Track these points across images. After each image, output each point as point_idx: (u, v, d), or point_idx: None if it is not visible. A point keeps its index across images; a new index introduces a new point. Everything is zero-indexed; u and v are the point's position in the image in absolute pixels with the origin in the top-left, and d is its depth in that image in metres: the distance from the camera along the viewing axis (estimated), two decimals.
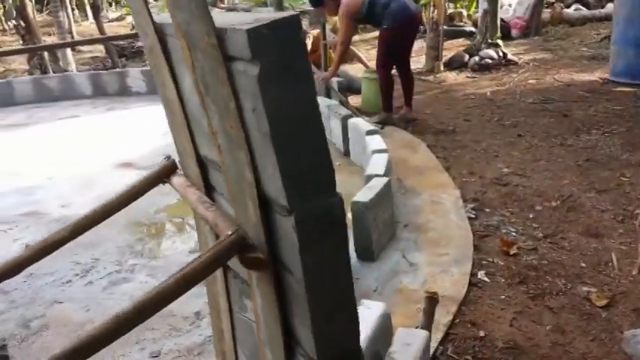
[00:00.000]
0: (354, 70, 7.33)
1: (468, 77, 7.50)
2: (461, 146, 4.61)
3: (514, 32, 10.30)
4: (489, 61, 7.84)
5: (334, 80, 5.51)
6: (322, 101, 4.88)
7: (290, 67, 0.94)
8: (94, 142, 5.32)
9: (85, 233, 1.45)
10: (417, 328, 1.89)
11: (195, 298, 2.61)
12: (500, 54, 8.02)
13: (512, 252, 2.91)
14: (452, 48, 9.73)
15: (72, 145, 5.26)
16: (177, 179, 1.48)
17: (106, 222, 1.49)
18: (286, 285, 1.13)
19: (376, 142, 3.63)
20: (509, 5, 10.97)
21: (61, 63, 10.49)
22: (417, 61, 8.69)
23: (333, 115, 4.54)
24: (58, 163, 4.78)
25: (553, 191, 3.65)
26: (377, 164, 3.24)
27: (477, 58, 7.91)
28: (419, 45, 10.10)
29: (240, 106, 1.00)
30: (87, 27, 19.13)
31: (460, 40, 10.73)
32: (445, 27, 11.15)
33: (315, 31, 5.94)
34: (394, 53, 5.04)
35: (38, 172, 4.63)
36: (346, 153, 4.38)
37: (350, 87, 6.17)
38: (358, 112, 5.31)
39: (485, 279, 2.69)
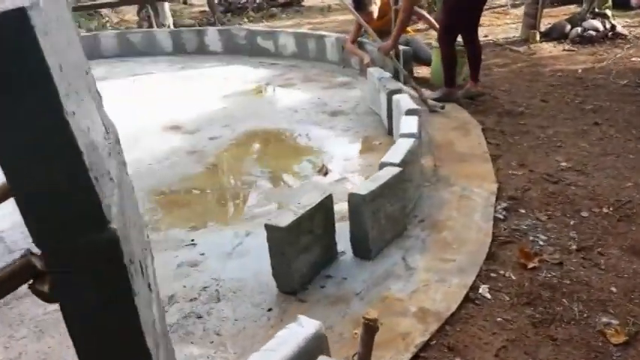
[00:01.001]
0: (425, 37, 6.85)
1: (564, 50, 6.77)
2: (523, 132, 4.14)
3: (634, 1, 9.15)
4: (593, 33, 7.03)
5: (400, 49, 5.14)
6: (375, 71, 4.56)
7: (11, 78, 0.74)
8: (155, 101, 5.38)
9: None
10: (354, 356, 1.66)
11: (172, 282, 2.52)
12: (608, 26, 7.16)
13: (530, 265, 2.54)
14: (559, 17, 8.88)
15: (133, 103, 5.33)
16: None
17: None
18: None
19: (409, 124, 3.31)
20: None
21: (160, 18, 10.81)
22: (515, 28, 8.02)
23: (382, 88, 4.23)
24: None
25: (610, 194, 3.16)
26: (397, 151, 2.95)
27: (579, 29, 7.11)
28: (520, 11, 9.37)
29: None
30: None
31: (573, 7, 9.75)
32: None
33: None
34: (459, 20, 4.58)
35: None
36: (390, 131, 4.07)
37: (418, 57, 5.75)
38: (423, 87, 4.96)
39: (487, 295, 2.37)
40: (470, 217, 2.92)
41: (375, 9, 5.58)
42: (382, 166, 2.84)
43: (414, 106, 3.68)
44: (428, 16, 6.22)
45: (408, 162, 2.90)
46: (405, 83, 4.73)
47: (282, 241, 2.29)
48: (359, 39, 5.91)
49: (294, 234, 2.31)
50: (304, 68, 6.31)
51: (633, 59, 6.09)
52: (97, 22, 14.35)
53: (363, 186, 2.58)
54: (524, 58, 6.51)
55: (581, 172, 3.46)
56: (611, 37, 7.07)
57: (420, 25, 7.87)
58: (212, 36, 7.23)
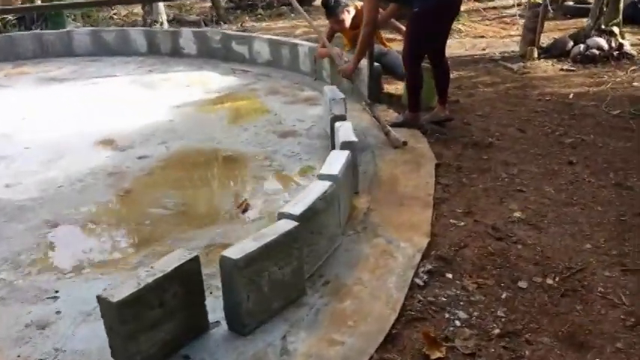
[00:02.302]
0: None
1: (562, 70, 6.24)
2: (483, 169, 3.66)
3: None
4: (596, 51, 6.49)
5: (363, 65, 4.66)
6: (329, 91, 4.10)
7: None
8: (101, 109, 5.00)
9: None
10: None
11: (10, 349, 2.12)
12: (614, 44, 6.60)
13: (435, 356, 2.08)
14: (568, 29, 8.32)
15: (78, 111, 4.97)
16: None
17: None
18: None
19: (334, 162, 2.85)
20: None
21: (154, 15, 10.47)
22: (512, 44, 7.48)
23: (329, 112, 3.78)
24: (46, 131, 4.49)
25: (562, 258, 2.68)
26: (304, 198, 2.50)
27: (581, 47, 6.58)
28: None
29: None
30: None
31: (585, 20, 9.14)
32: (571, 3, 9.66)
33: (359, 2, 5.06)
34: (427, 41, 4.10)
35: (24, 138, 4.37)
36: None
37: (393, 72, 5.27)
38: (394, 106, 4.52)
39: None
40: (383, 281, 2.46)
41: (347, 17, 5.11)
42: (280, 217, 2.39)
43: (351, 137, 3.22)
44: (402, 27, 5.65)
45: (315, 213, 2.46)
46: (370, 109, 4.20)
47: (114, 320, 1.86)
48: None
49: (133, 310, 1.88)
50: (274, 78, 5.87)
51: (635, 84, 5.56)
52: (105, 14, 14.16)
53: (237, 248, 2.14)
54: (515, 77, 5.99)
55: (535, 226, 2.97)
56: (617, 56, 6.52)
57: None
58: (187, 38, 6.83)
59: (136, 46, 7.06)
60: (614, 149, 3.96)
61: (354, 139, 3.21)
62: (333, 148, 3.58)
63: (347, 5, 5.09)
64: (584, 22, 9.04)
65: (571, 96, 5.20)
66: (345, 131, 3.31)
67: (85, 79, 6.13)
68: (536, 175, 3.58)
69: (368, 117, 4.42)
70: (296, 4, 4.99)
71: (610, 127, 4.40)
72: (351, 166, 3.08)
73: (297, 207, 2.42)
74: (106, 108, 5.04)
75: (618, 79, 5.71)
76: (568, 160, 3.78)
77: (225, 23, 11.61)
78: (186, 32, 6.88)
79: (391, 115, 4.60)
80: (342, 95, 3.98)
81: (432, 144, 4.03)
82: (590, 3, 9.45)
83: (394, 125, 4.24)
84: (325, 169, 2.79)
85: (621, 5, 6.90)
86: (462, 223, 2.98)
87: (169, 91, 5.50)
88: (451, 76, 5.89)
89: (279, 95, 5.30)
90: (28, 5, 9.59)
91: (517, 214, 3.08)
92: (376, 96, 4.79)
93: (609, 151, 3.93)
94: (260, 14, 12.82)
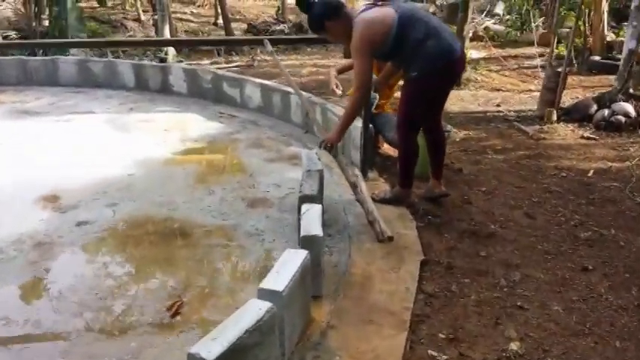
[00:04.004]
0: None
1: (583, 137, 5.62)
2: (479, 271, 3.03)
3: None
4: (622, 118, 5.86)
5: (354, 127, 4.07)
6: (306, 158, 3.52)
7: None
8: (60, 155, 4.49)
9: None
10: None
11: None
12: None
13: None
14: (593, 88, 7.73)
15: (34, 153, 4.48)
16: None
17: None
18: None
19: (282, 272, 2.25)
20: None
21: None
22: (530, 101, 6.88)
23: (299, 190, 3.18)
24: None
25: None
26: (227, 331, 1.89)
27: (606, 112, 5.95)
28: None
29: None
30: (243, 2, 19.00)
31: (612, 77, 8.53)
32: (597, 58, 9.06)
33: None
34: (426, 109, 3.52)
35: None
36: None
37: (381, 134, 4.67)
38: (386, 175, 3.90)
39: None
40: None
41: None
42: (189, 359, 1.79)
43: (314, 230, 2.62)
44: None
45: (242, 350, 1.85)
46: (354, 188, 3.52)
47: None
48: (322, 103, 4.91)
49: None
50: (262, 127, 5.33)
51: None
52: (121, 36, 13.89)
53: None
54: (529, 143, 5.38)
55: None
56: None
57: None
58: (177, 75, 6.33)
59: (123, 79, 6.59)
60: (639, 251, 3.31)
61: (317, 232, 2.61)
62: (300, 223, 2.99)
63: None
64: (610, 79, 8.49)
65: (590, 173, 4.56)
66: (310, 221, 2.71)
67: (60, 113, 5.65)
68: (543, 284, 2.94)
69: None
70: (276, 58, 4.38)
71: (634, 219, 3.76)
72: (309, 271, 2.47)
73: (214, 345, 1.81)
74: (65, 153, 4.52)
75: None
76: (582, 264, 3.14)
77: (237, 54, 11.16)
78: (177, 69, 6.39)
79: (381, 186, 4.00)
80: (319, 165, 3.40)
81: (421, 229, 3.42)
82: (617, 59, 8.88)
83: (381, 201, 3.65)
84: (269, 281, 2.19)
85: None
86: (444, 357, 2.34)
87: (143, 137, 4.97)
88: (460, 135, 5.35)
89: (261, 150, 4.74)
90: (25, 42, 9.11)
91: (514, 347, 2.44)
92: (371, 162, 4.19)
93: (632, 254, 3.28)
94: (276, 47, 12.36)
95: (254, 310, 2.00)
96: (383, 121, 4.52)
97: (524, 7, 12.76)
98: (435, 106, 3.55)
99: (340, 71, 4.67)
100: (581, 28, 9.62)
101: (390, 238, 3.07)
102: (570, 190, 4.22)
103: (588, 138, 5.58)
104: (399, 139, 3.59)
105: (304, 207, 2.88)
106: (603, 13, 9.10)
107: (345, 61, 4.79)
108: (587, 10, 10.01)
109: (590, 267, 3.11)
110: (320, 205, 2.88)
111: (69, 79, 6.65)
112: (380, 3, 3.32)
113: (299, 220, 2.99)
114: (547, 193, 4.15)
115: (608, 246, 3.38)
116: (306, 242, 2.58)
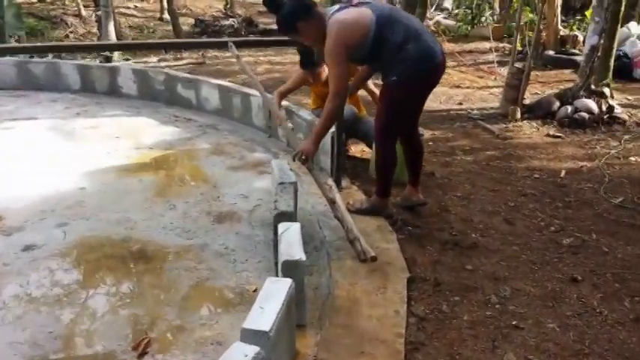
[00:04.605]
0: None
1: (548, 135, 5.57)
2: (467, 287, 2.86)
3: (638, 72, 8.04)
4: (585, 115, 5.84)
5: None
6: (276, 167, 3.28)
7: None
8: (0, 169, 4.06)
9: None
10: None
11: None
12: (604, 107, 5.96)
13: None
14: (550, 83, 7.75)
15: None
16: None
17: None
18: None
19: (265, 305, 2.00)
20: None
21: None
22: (497, 95, 6.82)
23: (274, 207, 2.92)
24: None
25: None
26: None
27: (569, 109, 5.93)
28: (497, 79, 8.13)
29: None
30: None
31: (567, 72, 8.63)
32: (551, 53, 9.12)
33: None
34: (406, 115, 3.31)
35: None
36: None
37: (368, 140, 4.44)
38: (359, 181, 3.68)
39: None
40: None
41: (324, 70, 4.30)
42: None
43: (296, 254, 2.37)
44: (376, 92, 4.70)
45: None
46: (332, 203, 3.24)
47: None
48: (287, 105, 4.66)
49: None
50: (222, 132, 5.03)
51: (631, 159, 4.89)
52: (62, 32, 13.20)
53: None
54: (496, 142, 5.28)
55: None
56: (607, 121, 5.88)
57: None
58: (126, 76, 5.94)
59: (67, 81, 6.14)
60: (624, 258, 3.22)
61: (299, 257, 2.36)
62: (276, 247, 2.74)
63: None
64: (566, 73, 8.57)
65: (563, 174, 4.48)
66: (290, 243, 2.46)
67: None
68: (534, 299, 2.79)
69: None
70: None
71: (613, 221, 3.68)
72: (294, 299, 2.23)
73: None
74: (6, 166, 4.12)
75: (613, 151, 5.04)
76: (570, 275, 3.02)
77: (186, 50, 10.73)
78: (125, 70, 5.99)
79: (355, 194, 3.79)
80: (292, 177, 3.15)
81: (402, 242, 3.23)
82: (571, 54, 8.97)
83: (358, 212, 3.44)
84: (253, 320, 1.93)
85: (612, 63, 6.28)
86: None
87: (92, 145, 4.60)
88: (426, 135, 5.19)
89: (223, 157, 4.45)
90: None
91: None
92: (342, 169, 3.97)
93: (618, 261, 3.19)
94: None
95: (239, 357, 1.75)
96: (366, 127, 4.30)
97: (475, 2, 12.82)
98: (413, 111, 3.35)
99: (284, 94, 4.45)
100: (536, 22, 9.70)
101: (374, 259, 2.84)
102: (545, 192, 4.11)
103: (554, 136, 5.53)
104: (376, 146, 3.37)
105: (281, 226, 2.63)
106: (557, 7, 9.15)
107: (288, 83, 4.52)
108: (540, 4, 10.11)
109: (579, 277, 2.99)
110: (298, 225, 2.63)
111: (7, 82, 6.15)
112: (355, 2, 3.08)
113: (275, 240, 2.75)
114: (522, 197, 4.03)
115: (593, 253, 3.27)
116: (288, 268, 2.33)
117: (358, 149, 4.83)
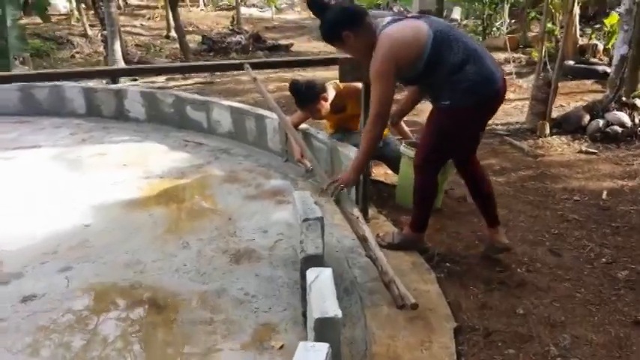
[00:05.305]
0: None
1: (581, 152, 5.22)
2: (521, 337, 2.52)
3: None
4: (618, 129, 5.50)
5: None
6: (299, 200, 2.95)
7: None
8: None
9: None
10: None
11: None
12: (637, 120, 5.62)
13: None
14: (572, 94, 7.40)
15: None
16: None
17: None
18: None
19: None
20: None
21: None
22: (521, 108, 6.50)
23: (301, 243, 2.60)
24: None
25: None
26: None
27: (600, 123, 5.58)
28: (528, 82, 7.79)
29: None
30: (195, 13, 18.31)
31: (589, 82, 8.28)
32: (571, 63, 8.80)
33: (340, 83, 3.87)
34: (451, 146, 2.96)
35: None
36: (305, 318, 2.44)
37: (395, 165, 4.10)
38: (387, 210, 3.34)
39: None
40: None
41: (325, 105, 3.97)
42: None
43: (331, 310, 2.05)
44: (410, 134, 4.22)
45: None
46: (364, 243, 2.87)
47: None
48: (305, 128, 4.36)
49: None
50: (235, 157, 4.73)
51: None
52: (67, 52, 13.04)
53: None
54: (528, 161, 4.95)
55: None
56: None
57: None
58: (133, 99, 5.66)
59: (72, 105, 5.88)
60: None
61: (335, 313, 2.04)
62: (303, 292, 2.42)
63: (324, 90, 3.95)
64: (587, 84, 8.23)
65: (604, 195, 4.14)
66: (323, 294, 2.14)
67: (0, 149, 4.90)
68: (598, 348, 2.45)
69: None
70: (259, 85, 3.68)
71: None
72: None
73: None
74: (5, 201, 3.84)
75: None
76: (633, 316, 2.67)
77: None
78: (133, 92, 5.72)
79: (382, 225, 3.47)
80: (317, 212, 2.82)
81: (441, 281, 2.90)
82: (592, 63, 8.64)
83: (389, 247, 3.10)
84: None
85: None
86: None
87: (98, 174, 4.31)
88: None
89: (237, 184, 4.14)
90: None
91: None
92: (369, 195, 3.65)
93: None
94: (233, 59, 11.82)
95: None
96: (390, 148, 4.00)
97: (486, 12, 12.51)
98: (464, 142, 2.99)
99: (296, 125, 4.15)
100: (554, 32, 9.39)
101: (414, 306, 2.49)
102: (589, 217, 3.77)
103: (587, 152, 5.19)
104: (415, 175, 3.02)
105: (310, 273, 2.31)
106: (575, 16, 8.84)
107: (297, 113, 4.20)
108: (556, 14, 9.82)
109: None
110: (330, 271, 2.31)
111: (10, 108, 5.89)
112: (410, 15, 2.75)
113: (303, 285, 2.43)
114: (565, 222, 3.70)
115: None
116: (322, 326, 2.01)
117: (380, 172, 4.51)
